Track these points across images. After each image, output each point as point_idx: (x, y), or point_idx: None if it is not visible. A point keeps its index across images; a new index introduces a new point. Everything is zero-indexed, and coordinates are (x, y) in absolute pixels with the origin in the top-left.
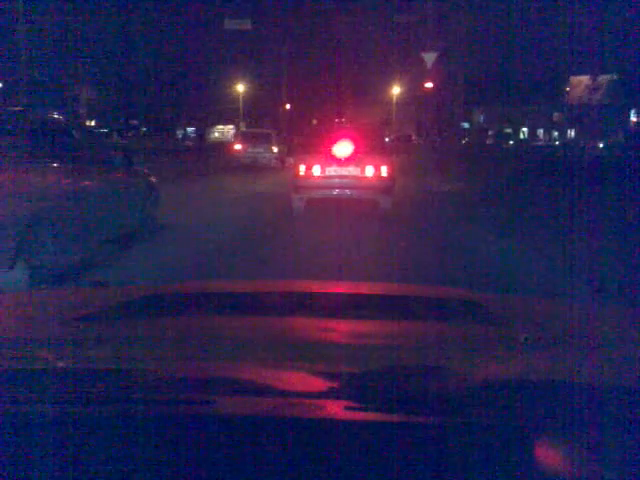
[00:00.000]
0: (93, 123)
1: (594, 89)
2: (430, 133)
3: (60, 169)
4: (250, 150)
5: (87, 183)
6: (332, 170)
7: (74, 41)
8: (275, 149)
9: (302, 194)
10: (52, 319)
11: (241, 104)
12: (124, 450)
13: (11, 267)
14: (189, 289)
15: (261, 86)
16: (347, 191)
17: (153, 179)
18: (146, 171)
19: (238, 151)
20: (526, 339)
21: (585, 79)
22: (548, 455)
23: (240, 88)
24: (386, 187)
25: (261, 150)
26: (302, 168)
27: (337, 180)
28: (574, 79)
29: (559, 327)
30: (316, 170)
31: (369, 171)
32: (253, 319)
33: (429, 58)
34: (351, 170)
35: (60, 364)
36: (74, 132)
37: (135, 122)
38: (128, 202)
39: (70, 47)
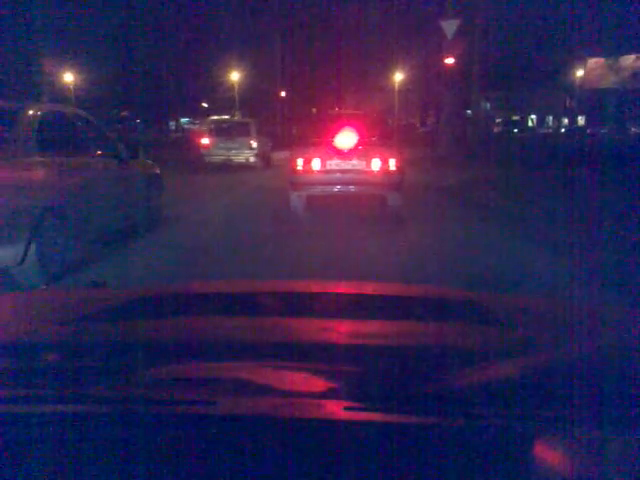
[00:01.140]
0: None
1: (613, 71)
2: (452, 118)
3: (67, 162)
4: (221, 145)
5: (94, 175)
6: (333, 164)
7: (59, 29)
8: (254, 144)
9: (300, 191)
10: (52, 319)
11: (236, 93)
12: (124, 450)
13: (21, 262)
14: (189, 289)
15: (256, 72)
16: (351, 187)
17: (157, 170)
18: (150, 162)
19: (206, 147)
20: (525, 337)
21: (603, 61)
22: (548, 455)
23: (235, 76)
24: (394, 182)
25: (235, 145)
26: (300, 162)
27: (339, 175)
28: (591, 61)
29: (559, 327)
30: (315, 164)
31: (375, 164)
32: (253, 319)
33: (449, 27)
34: (355, 163)
35: (60, 364)
36: (80, 124)
37: (126, 113)
38: (133, 194)
39: (55, 35)
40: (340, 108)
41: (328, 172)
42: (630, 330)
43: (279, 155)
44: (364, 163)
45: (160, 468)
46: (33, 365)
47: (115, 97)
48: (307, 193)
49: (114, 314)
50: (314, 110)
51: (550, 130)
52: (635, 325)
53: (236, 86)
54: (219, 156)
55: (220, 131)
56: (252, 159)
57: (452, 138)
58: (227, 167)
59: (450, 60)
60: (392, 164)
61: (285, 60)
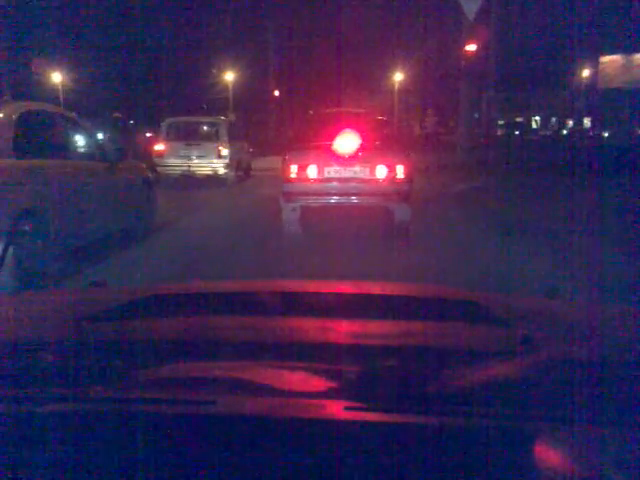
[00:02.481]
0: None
1: (627, 70)
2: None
3: (48, 164)
4: (180, 152)
5: (78, 178)
6: (332, 171)
7: (45, 25)
8: (225, 150)
9: (294, 202)
10: (52, 319)
11: (231, 93)
12: (124, 450)
13: None
14: (189, 289)
15: (250, 71)
16: (352, 198)
17: (150, 175)
18: (142, 166)
19: (159, 154)
20: (525, 337)
21: (617, 59)
22: (548, 455)
23: (229, 76)
24: (402, 192)
25: (199, 152)
26: (293, 169)
27: (339, 184)
28: (604, 59)
29: (559, 327)
30: (311, 171)
31: (381, 172)
32: (253, 319)
33: (470, 6)
34: (357, 171)
35: (60, 364)
36: (63, 124)
37: (119, 115)
38: (122, 199)
39: (41, 32)
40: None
41: (326, 181)
42: (630, 330)
43: (266, 162)
44: (367, 170)
45: (160, 468)
46: (33, 365)
47: (107, 98)
48: (302, 205)
49: (114, 314)
50: (311, 112)
51: (549, 132)
52: (635, 325)
53: (230, 86)
54: (176, 167)
55: (179, 134)
56: (222, 170)
57: (469, 142)
58: (186, 181)
59: (472, 47)
60: (400, 172)
61: (279, 58)
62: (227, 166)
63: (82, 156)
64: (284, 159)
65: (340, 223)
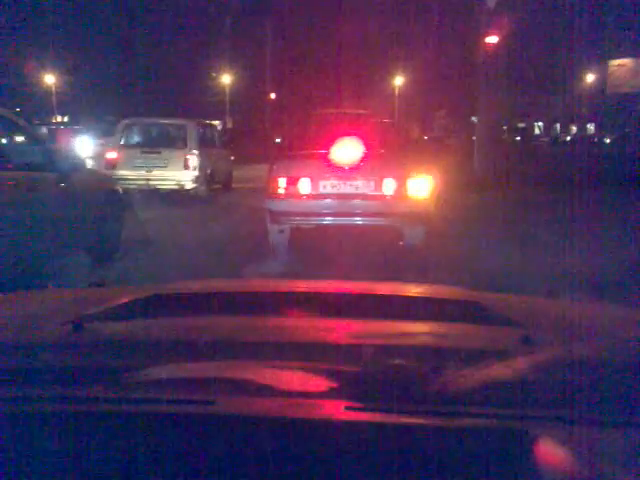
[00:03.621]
0: (66, 119)
1: (639, 73)
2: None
3: None
4: (138, 162)
5: (14, 194)
6: (329, 185)
7: (37, 27)
8: (194, 160)
9: (283, 223)
10: (52, 319)
11: (227, 96)
12: (124, 450)
13: None
14: (189, 289)
15: (246, 73)
16: (354, 218)
17: (118, 187)
18: (107, 177)
19: (111, 163)
20: (525, 337)
21: (628, 62)
22: (548, 455)
23: (226, 79)
24: (416, 212)
25: (161, 162)
26: (282, 182)
27: (337, 201)
28: (614, 62)
29: (559, 327)
30: (304, 186)
31: (388, 187)
32: (253, 319)
33: None
34: (359, 186)
35: (60, 364)
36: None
37: (111, 118)
38: (73, 217)
39: (33, 33)
40: (338, 107)
41: (321, 197)
42: (630, 330)
43: (255, 171)
44: (372, 184)
45: (160, 468)
46: (33, 365)
47: (102, 101)
48: (292, 226)
49: (114, 314)
50: (311, 113)
51: (548, 139)
52: (635, 325)
53: (227, 90)
54: (131, 180)
55: (138, 139)
56: (190, 185)
57: (489, 153)
58: (144, 198)
59: (493, 38)
60: (412, 186)
61: (277, 57)
62: (196, 179)
63: (23, 165)
64: (271, 170)
65: (339, 248)
